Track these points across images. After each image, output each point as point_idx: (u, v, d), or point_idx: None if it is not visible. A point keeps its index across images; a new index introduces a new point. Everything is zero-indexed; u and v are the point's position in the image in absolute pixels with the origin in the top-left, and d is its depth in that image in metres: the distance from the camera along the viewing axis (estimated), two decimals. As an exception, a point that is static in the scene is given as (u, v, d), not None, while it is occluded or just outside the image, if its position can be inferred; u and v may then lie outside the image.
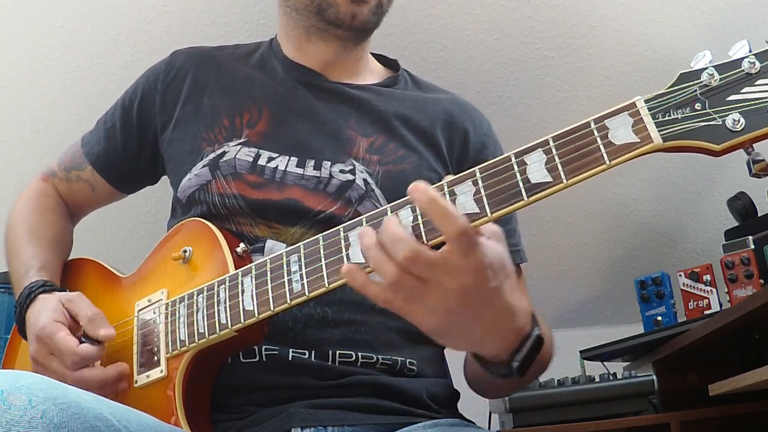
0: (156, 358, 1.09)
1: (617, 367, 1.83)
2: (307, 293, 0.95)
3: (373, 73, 1.37)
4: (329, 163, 1.20)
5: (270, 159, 1.20)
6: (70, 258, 1.37)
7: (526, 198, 0.84)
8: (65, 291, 1.22)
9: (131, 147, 1.36)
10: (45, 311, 1.13)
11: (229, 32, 1.77)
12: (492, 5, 1.78)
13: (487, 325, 0.86)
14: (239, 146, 1.22)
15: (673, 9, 1.81)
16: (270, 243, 1.14)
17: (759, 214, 1.75)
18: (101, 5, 1.74)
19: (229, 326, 1.01)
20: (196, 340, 1.04)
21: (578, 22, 1.81)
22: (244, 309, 1.00)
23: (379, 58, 1.42)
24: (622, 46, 1.84)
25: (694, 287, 1.74)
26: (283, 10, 1.33)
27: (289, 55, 1.33)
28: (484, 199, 0.85)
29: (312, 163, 1.20)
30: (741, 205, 1.77)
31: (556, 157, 0.83)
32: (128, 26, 1.76)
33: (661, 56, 1.84)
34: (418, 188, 0.80)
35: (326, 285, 0.94)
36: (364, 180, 1.19)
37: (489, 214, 0.85)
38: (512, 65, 1.85)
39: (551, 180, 0.83)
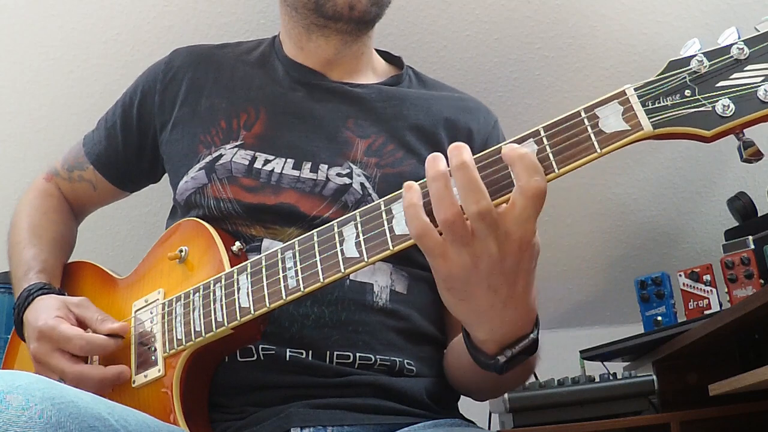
0: (153, 357, 1.09)
1: (617, 367, 1.82)
2: (302, 289, 0.95)
3: (376, 71, 1.36)
4: (326, 166, 1.19)
5: (266, 162, 1.20)
6: (68, 261, 1.37)
7: None
8: (64, 293, 1.23)
9: (131, 146, 1.36)
10: (45, 310, 1.13)
11: (229, 32, 1.78)
12: (492, 5, 1.78)
13: (499, 303, 0.85)
14: (235, 149, 1.21)
15: (673, 9, 1.80)
16: (267, 242, 1.14)
17: (759, 214, 1.74)
18: (101, 5, 1.74)
19: (226, 324, 1.02)
20: (193, 339, 1.05)
21: (578, 22, 1.81)
22: (240, 306, 1.01)
23: (384, 54, 1.42)
24: (622, 46, 1.84)
25: (694, 287, 1.74)
26: (284, 9, 1.33)
27: (290, 54, 1.33)
28: None
29: (309, 165, 1.19)
30: (741, 205, 1.77)
31: (548, 147, 0.84)
32: (128, 26, 1.76)
33: (661, 56, 1.82)
34: (511, 148, 0.81)
35: (321, 280, 0.94)
36: (361, 184, 1.18)
37: None
38: (512, 65, 1.85)
39: (542, 170, 0.83)
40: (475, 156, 0.86)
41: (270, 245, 1.13)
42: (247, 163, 1.20)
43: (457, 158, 0.82)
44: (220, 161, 1.21)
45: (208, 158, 1.22)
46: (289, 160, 1.20)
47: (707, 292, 1.72)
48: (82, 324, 1.13)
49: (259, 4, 1.75)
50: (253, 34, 1.77)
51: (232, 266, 1.05)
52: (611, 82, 1.87)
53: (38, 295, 1.18)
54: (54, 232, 1.36)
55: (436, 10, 1.78)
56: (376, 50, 1.40)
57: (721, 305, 1.70)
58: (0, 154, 1.87)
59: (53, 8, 1.74)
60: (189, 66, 1.33)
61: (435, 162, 0.83)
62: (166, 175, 1.36)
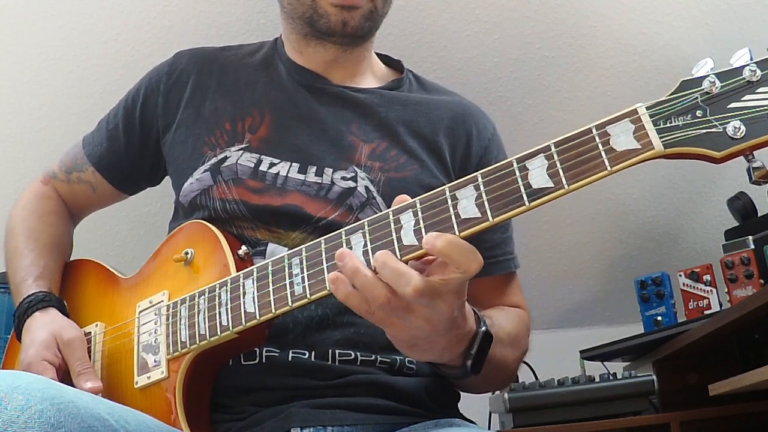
0: (156, 359, 1.09)
1: (617, 367, 1.83)
2: (308, 296, 0.95)
3: (376, 75, 1.37)
4: (331, 170, 1.19)
5: (271, 165, 1.20)
6: (71, 259, 1.37)
7: (527, 203, 0.85)
8: (63, 302, 1.23)
9: (134, 148, 1.36)
10: (36, 343, 1.13)
11: (230, 32, 1.77)
12: (492, 5, 1.78)
13: (459, 331, 0.92)
14: (241, 151, 1.22)
15: (673, 9, 1.81)
16: (272, 246, 1.14)
17: (759, 214, 1.75)
18: (101, 5, 1.74)
19: (230, 328, 1.02)
20: (197, 342, 1.05)
21: (578, 22, 1.81)
22: (245, 311, 1.01)
23: (383, 57, 1.42)
24: (622, 46, 1.84)
25: (694, 287, 1.74)
26: (282, 15, 1.34)
27: (291, 57, 1.33)
28: (486, 204, 0.86)
29: (314, 169, 1.19)
30: (741, 205, 1.77)
31: (558, 163, 0.84)
32: (128, 26, 1.76)
33: (661, 56, 1.84)
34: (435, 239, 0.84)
35: (327, 288, 0.94)
36: (366, 187, 1.18)
37: (491, 219, 0.86)
38: (512, 65, 1.85)
39: (552, 186, 0.84)
40: (482, 171, 0.88)
41: (275, 250, 1.13)
42: (252, 165, 1.20)
43: (376, 260, 0.86)
44: (226, 163, 1.21)
45: (214, 160, 1.22)
46: (294, 163, 1.20)
47: (707, 292, 1.72)
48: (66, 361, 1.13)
49: (259, 4, 1.75)
50: (253, 34, 1.77)
51: (237, 270, 1.05)
52: (611, 82, 1.87)
53: (37, 309, 1.18)
54: (51, 236, 1.35)
55: (436, 10, 1.78)
56: (376, 53, 1.40)
57: (721, 305, 1.70)
58: (0, 154, 1.87)
59: (53, 8, 1.73)
60: (193, 68, 1.33)
61: (344, 259, 0.87)
62: (166, 177, 1.36)
